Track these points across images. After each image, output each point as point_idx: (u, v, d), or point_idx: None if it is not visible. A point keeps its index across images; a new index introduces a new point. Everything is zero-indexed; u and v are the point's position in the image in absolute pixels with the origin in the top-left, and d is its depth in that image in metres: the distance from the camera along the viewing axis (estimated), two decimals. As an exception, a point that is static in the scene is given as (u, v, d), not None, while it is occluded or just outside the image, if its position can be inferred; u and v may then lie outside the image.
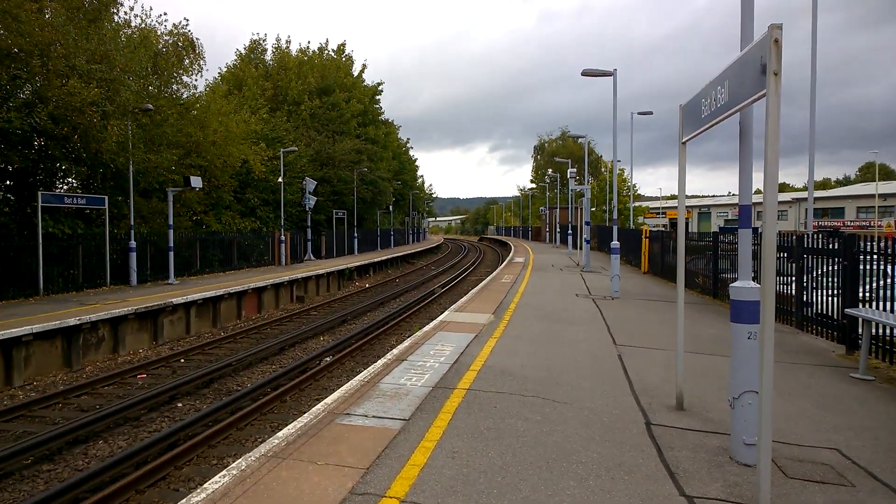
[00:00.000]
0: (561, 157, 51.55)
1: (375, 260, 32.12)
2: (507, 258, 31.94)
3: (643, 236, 22.06)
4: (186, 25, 21.37)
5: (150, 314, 13.19)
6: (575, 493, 3.86)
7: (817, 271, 9.26)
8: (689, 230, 31.20)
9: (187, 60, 21.22)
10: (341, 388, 6.26)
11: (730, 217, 74.12)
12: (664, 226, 54.75)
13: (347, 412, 5.43)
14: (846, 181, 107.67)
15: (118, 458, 5.91)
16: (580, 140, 39.23)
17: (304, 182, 29.33)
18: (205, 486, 3.89)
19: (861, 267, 8.03)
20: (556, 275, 20.64)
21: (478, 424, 5.14)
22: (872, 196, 57.07)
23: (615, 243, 15.79)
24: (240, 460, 4.33)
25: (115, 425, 7.42)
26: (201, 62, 21.71)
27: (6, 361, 9.78)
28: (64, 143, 15.63)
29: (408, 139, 71.10)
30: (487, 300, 13.66)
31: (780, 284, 10.26)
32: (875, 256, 7.80)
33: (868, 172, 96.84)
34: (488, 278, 20.03)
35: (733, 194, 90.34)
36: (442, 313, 12.08)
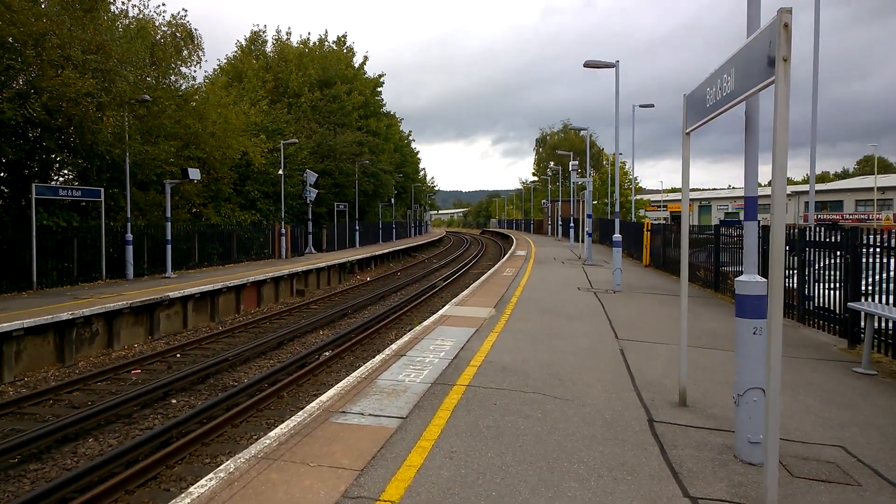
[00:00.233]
0: (563, 149, 51.39)
1: (377, 253, 32.01)
2: (509, 251, 31.87)
3: (645, 229, 22.03)
4: (185, 16, 21.20)
5: (146, 308, 13.06)
6: (576, 496, 3.73)
7: (819, 264, 9.14)
8: (691, 223, 31.09)
9: (186, 51, 21.02)
10: (337, 385, 6.12)
11: (730, 210, 73.98)
12: (665, 219, 54.63)
13: (343, 410, 5.30)
14: (844, 174, 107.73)
15: (108, 456, 5.78)
16: (582, 133, 38.97)
17: (304, 174, 29.11)
18: (190, 490, 3.75)
19: (864, 260, 7.91)
20: (557, 268, 20.54)
21: (477, 422, 5.02)
22: (871, 189, 57.11)
23: (617, 236, 15.66)
24: (228, 462, 4.18)
25: (106, 422, 7.28)
26: (200, 53, 21.55)
27: (-3, 356, 9.63)
28: (59, 134, 15.46)
29: (409, 132, 70.68)
30: (489, 294, 13.54)
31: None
32: (878, 249, 7.67)
33: (867, 165, 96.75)
34: (490, 271, 19.92)
35: (734, 187, 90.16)
36: (443, 307, 11.96)
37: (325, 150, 35.73)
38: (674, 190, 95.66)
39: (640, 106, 31.50)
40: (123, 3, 20.05)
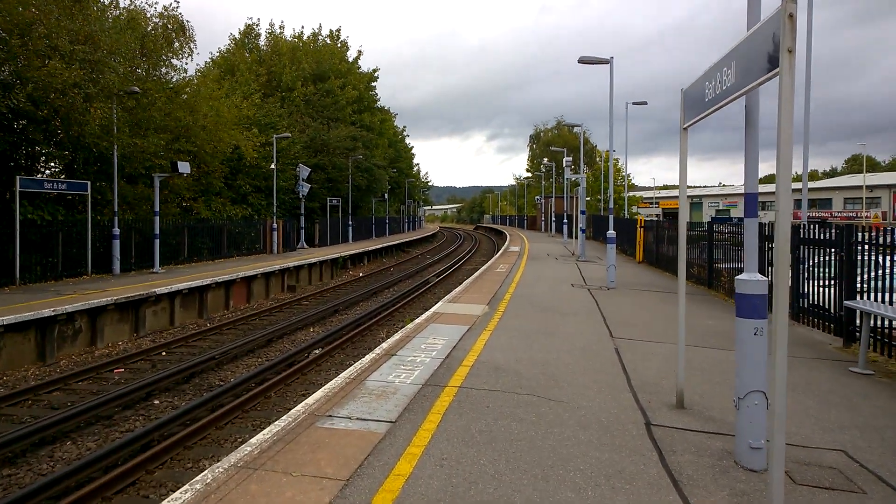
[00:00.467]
0: (556, 146, 51.22)
1: (370, 248, 31.79)
2: (503, 247, 31.75)
3: (638, 226, 22.05)
4: (177, 7, 20.98)
5: (132, 305, 12.78)
6: (572, 506, 3.56)
7: (812, 261, 9.02)
8: (685, 220, 31.10)
9: (177, 43, 20.74)
10: (324, 387, 5.91)
11: (721, 207, 74.34)
12: (657, 216, 54.74)
13: (330, 414, 5.10)
14: (833, 173, 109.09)
15: (85, 461, 5.54)
16: (575, 129, 38.92)
17: (297, 169, 28.82)
18: (162, 503, 3.54)
19: (859, 258, 7.80)
20: (551, 264, 20.40)
21: (469, 427, 4.84)
22: (859, 188, 57.76)
23: (611, 233, 15.54)
24: (206, 472, 3.95)
25: (85, 424, 7.03)
26: (192, 45, 21.27)
27: (-25, 355, 9.35)
28: (45, 125, 15.12)
29: (404, 127, 70.33)
30: (482, 290, 13.37)
31: (773, 275, 10.04)
32: (873, 247, 7.54)
33: (855, 164, 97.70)
34: (483, 268, 19.75)
35: (724, 185, 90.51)
36: (435, 304, 11.78)
37: (318, 144, 35.43)
38: (665, 187, 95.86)
39: (634, 103, 31.72)
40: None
